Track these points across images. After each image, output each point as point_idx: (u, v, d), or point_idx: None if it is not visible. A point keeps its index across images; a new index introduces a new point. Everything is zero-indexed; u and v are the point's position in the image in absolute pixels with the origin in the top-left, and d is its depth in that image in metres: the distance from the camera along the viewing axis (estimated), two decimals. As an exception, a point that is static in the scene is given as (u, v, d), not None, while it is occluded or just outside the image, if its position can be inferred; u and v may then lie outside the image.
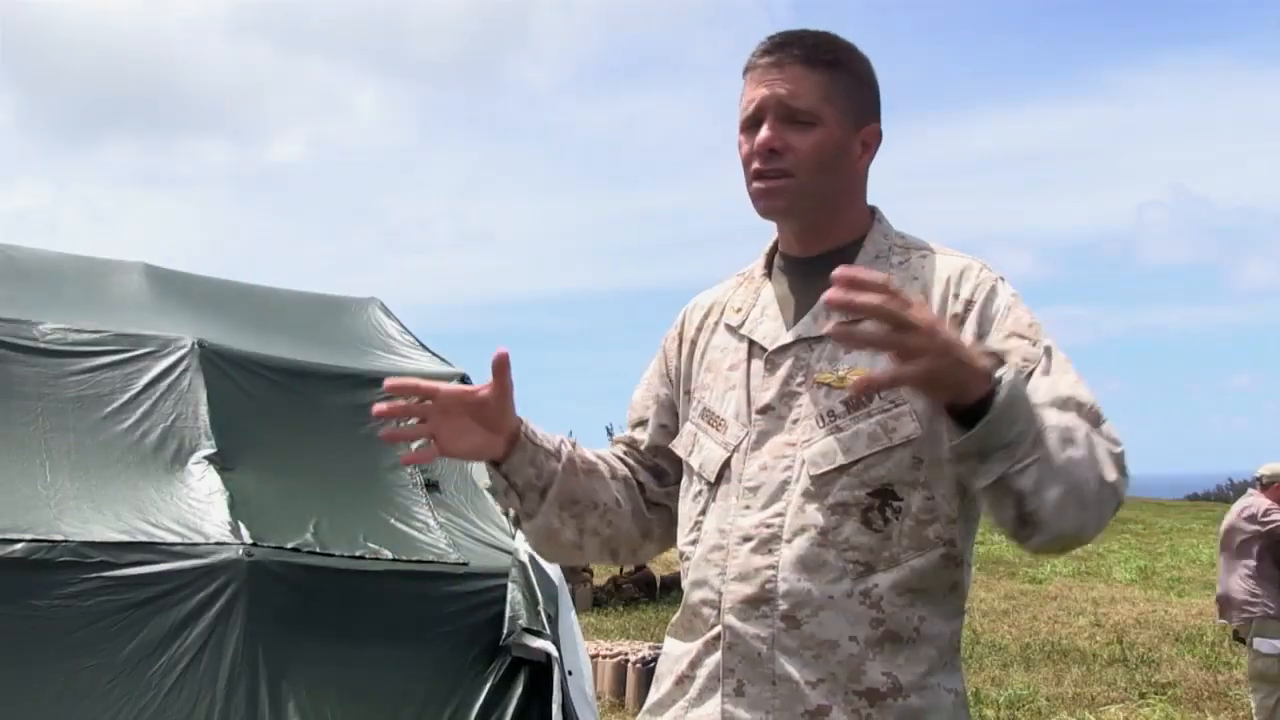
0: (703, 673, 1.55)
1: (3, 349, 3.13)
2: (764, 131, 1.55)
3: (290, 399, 3.43)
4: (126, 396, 3.15)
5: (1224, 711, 6.92)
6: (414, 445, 1.59)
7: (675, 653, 1.61)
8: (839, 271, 1.24)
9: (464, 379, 3.99)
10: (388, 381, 1.51)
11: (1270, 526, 5.50)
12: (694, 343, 1.71)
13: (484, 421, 1.54)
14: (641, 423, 1.76)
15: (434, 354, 4.26)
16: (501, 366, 1.53)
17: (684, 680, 1.58)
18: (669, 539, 1.74)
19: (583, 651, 3.42)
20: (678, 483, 1.70)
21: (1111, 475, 1.38)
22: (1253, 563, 5.53)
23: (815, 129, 1.54)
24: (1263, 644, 5.39)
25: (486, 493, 1.63)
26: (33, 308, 3.38)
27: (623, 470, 1.72)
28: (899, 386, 1.37)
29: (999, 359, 1.33)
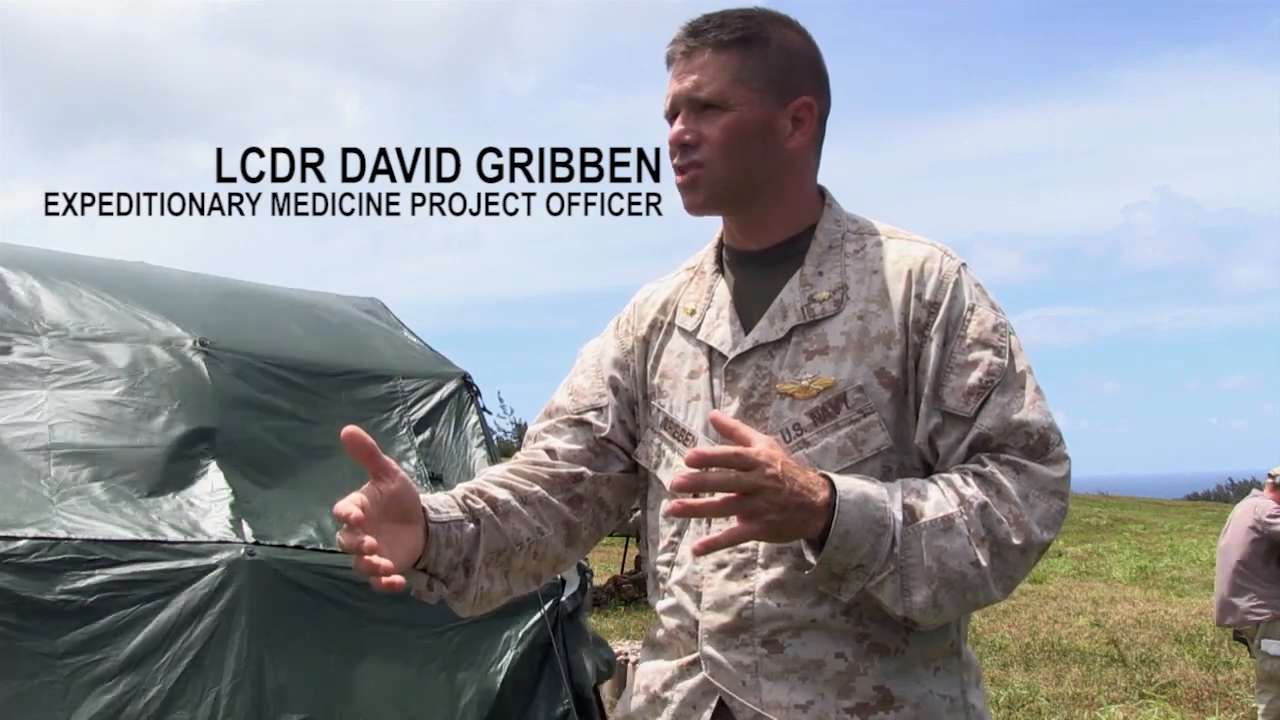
0: (676, 697, 1.49)
1: (5, 345, 3.12)
2: (675, 126, 1.50)
3: (293, 396, 3.43)
4: (129, 394, 3.14)
5: (1224, 711, 6.90)
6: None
7: (649, 669, 1.56)
8: (689, 455, 1.27)
9: (465, 379, 3.98)
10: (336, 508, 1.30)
11: (1274, 528, 5.49)
12: (646, 342, 1.63)
13: (401, 517, 1.36)
14: (596, 409, 1.62)
15: (435, 353, 4.25)
16: (355, 446, 1.32)
17: (656, 701, 1.52)
18: (596, 537, 1.63)
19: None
20: (624, 473, 1.60)
21: (1017, 539, 1.37)
22: (1260, 564, 5.51)
23: (725, 113, 1.47)
24: (1272, 645, 5.37)
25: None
26: (34, 305, 3.37)
27: (534, 490, 1.54)
28: (745, 541, 1.38)
29: (832, 487, 1.34)
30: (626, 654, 7.47)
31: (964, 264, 1.50)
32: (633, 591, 11.04)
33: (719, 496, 1.29)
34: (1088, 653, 8.86)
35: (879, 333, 1.46)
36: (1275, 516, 5.52)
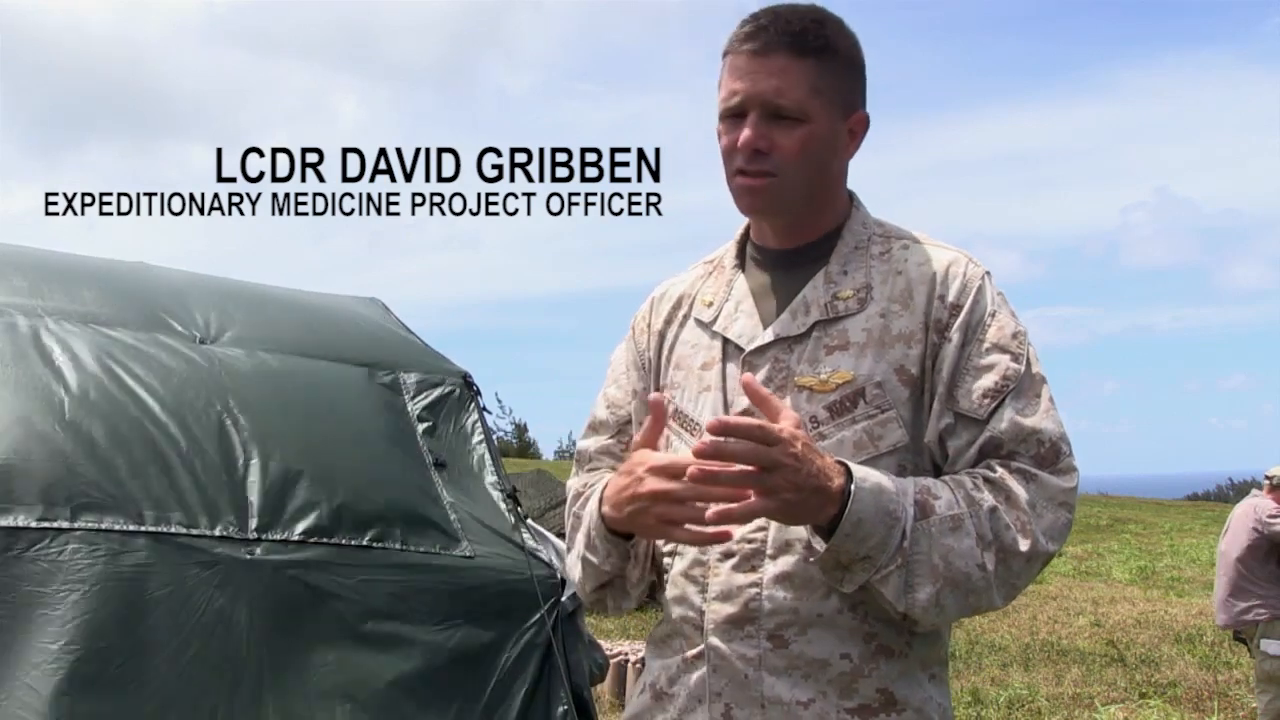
0: (681, 691, 1.50)
1: (7, 341, 3.13)
2: (747, 131, 1.47)
3: (294, 394, 3.43)
4: (132, 391, 3.14)
5: (1224, 711, 6.91)
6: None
7: (655, 666, 1.57)
8: (712, 422, 1.28)
9: (466, 378, 3.98)
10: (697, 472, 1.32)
11: (1274, 528, 5.50)
12: (662, 335, 1.64)
13: None
14: (630, 422, 1.66)
15: (435, 352, 4.25)
16: (657, 411, 1.43)
17: (662, 697, 1.53)
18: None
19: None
20: None
21: (1023, 545, 1.38)
22: (1259, 564, 5.52)
23: (802, 126, 1.47)
24: (1271, 645, 5.37)
25: (583, 596, 1.55)
26: (34, 302, 3.37)
27: None
28: (759, 517, 1.38)
29: (850, 474, 1.34)
30: (626, 654, 7.47)
31: (988, 272, 1.52)
32: (633, 591, 11.03)
33: (737, 469, 1.29)
34: (1087, 653, 8.87)
35: (900, 331, 1.47)
36: (1275, 516, 5.52)
